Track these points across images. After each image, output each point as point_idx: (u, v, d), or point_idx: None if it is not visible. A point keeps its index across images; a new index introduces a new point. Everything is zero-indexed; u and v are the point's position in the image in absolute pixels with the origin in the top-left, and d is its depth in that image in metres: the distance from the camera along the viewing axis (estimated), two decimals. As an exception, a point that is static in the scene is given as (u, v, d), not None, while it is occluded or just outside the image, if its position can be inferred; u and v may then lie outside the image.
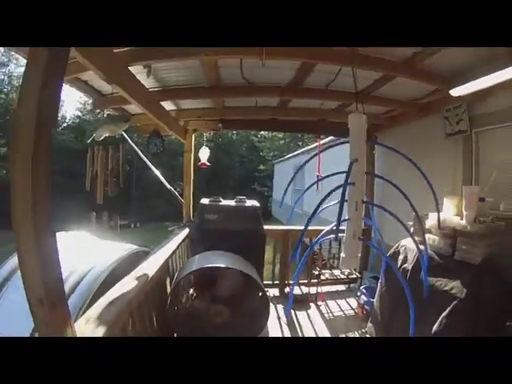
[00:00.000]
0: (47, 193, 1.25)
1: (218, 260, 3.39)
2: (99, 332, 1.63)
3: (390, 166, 5.35)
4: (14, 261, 3.70)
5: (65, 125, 29.68)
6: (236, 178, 29.89)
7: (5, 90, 26.59)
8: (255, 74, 3.68)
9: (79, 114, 30.74)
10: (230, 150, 30.68)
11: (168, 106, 4.56)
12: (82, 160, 4.17)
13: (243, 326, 3.25)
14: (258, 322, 3.38)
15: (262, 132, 28.24)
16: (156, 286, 2.95)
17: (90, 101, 4.23)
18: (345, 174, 2.98)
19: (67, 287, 3.17)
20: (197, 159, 5.59)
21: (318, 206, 3.23)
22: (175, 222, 5.70)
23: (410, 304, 2.91)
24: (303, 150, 16.83)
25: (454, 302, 2.83)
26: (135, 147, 5.73)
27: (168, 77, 3.63)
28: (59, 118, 29.71)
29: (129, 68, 2.88)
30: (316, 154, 4.75)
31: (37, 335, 1.35)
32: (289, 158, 19.72)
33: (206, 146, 5.62)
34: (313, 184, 4.08)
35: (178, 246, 4.14)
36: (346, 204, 3.05)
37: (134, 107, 4.26)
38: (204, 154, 5.59)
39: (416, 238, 3.30)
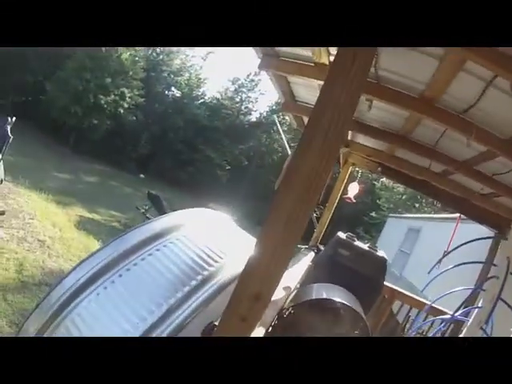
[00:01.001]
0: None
1: (337, 295, 3.35)
2: (260, 332, 1.67)
3: None
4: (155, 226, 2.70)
5: (202, 101, 31.79)
6: (342, 215, 29.37)
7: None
8: (448, 145, 3.66)
9: (219, 96, 32.66)
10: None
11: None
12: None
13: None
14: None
15: (385, 180, 27.50)
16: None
17: (233, 89, 4.37)
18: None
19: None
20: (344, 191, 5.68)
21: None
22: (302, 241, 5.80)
23: None
24: (427, 216, 16.08)
25: None
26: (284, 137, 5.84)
27: (371, 113, 3.71)
28: (199, 93, 32.21)
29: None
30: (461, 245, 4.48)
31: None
32: (405, 217, 19.07)
33: (359, 183, 5.67)
34: (439, 261, 3.91)
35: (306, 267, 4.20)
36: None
37: None
38: (353, 189, 5.66)
39: None
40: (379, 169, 5.28)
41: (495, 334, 3.79)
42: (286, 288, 2.72)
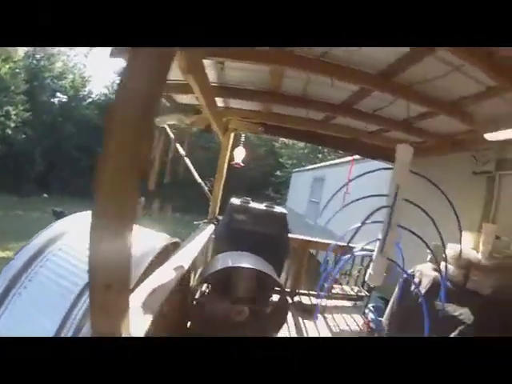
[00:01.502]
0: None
1: (242, 260, 3.44)
2: (147, 320, 1.63)
3: (413, 194, 5.40)
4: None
5: (90, 100, 29.79)
6: (251, 180, 29.70)
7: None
8: (317, 90, 3.80)
9: (106, 91, 30.82)
10: (247, 151, 30.48)
11: (217, 102, 4.56)
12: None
13: (261, 327, 3.30)
14: (273, 326, 3.45)
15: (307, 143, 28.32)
16: (181, 281, 2.93)
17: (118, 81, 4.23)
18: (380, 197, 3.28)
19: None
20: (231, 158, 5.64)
21: (363, 223, 3.46)
22: (199, 216, 5.70)
23: (426, 324, 3.13)
24: (328, 163, 16.75)
25: (461, 327, 3.13)
26: (172, 137, 5.71)
27: (232, 75, 3.68)
28: (85, 92, 30.04)
29: (203, 61, 2.91)
30: (359, 176, 4.73)
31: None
32: (309, 169, 19.71)
33: (244, 146, 5.67)
34: (346, 205, 4.12)
35: (205, 242, 4.15)
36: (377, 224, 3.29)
37: (180, 97, 4.30)
38: (240, 153, 5.62)
39: (431, 265, 3.71)
40: (261, 128, 5.33)
41: (408, 263, 4.11)
42: (178, 268, 2.61)
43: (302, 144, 26.62)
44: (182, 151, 5.89)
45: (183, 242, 3.61)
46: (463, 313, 3.22)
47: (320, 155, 26.08)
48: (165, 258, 2.80)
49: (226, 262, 3.39)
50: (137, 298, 1.82)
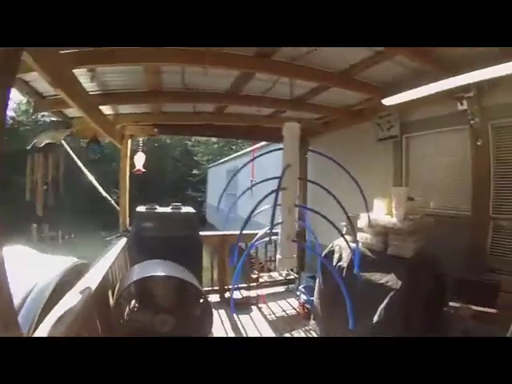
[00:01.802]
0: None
1: (156, 269, 3.39)
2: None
3: (323, 170, 5.48)
4: None
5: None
6: (169, 184, 29.07)
7: None
8: (196, 81, 3.71)
9: (13, 114, 28.07)
10: (163, 155, 29.73)
11: (106, 110, 4.40)
12: (16, 165, 3.88)
13: (188, 334, 3.23)
14: (202, 328, 3.43)
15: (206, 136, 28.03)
16: (100, 298, 2.87)
17: (24, 101, 3.95)
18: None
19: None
20: (132, 165, 5.45)
21: (253, 210, 3.31)
22: (112, 231, 5.47)
23: (347, 299, 3.06)
24: (237, 154, 16.87)
25: (391, 294, 3.14)
26: (72, 153, 5.40)
27: (109, 80, 3.52)
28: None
29: (73, 71, 2.74)
30: (252, 160, 4.80)
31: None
32: (222, 162, 19.62)
33: (142, 151, 5.50)
34: (248, 189, 4.09)
35: (117, 257, 3.99)
36: (279, 208, 3.18)
37: (72, 110, 4.06)
38: (139, 159, 5.47)
39: (349, 237, 3.59)
40: (155, 130, 5.21)
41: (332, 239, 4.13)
42: (85, 290, 2.48)
43: (214, 139, 26.59)
44: (84, 169, 5.62)
45: (95, 261, 3.48)
46: (390, 279, 3.23)
47: (234, 147, 26.22)
48: (73, 281, 2.69)
49: (139, 273, 3.33)
50: (42, 330, 1.77)
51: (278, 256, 3.32)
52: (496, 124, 3.51)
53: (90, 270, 3.15)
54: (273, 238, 3.37)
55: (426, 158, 4.34)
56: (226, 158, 19.31)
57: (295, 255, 3.41)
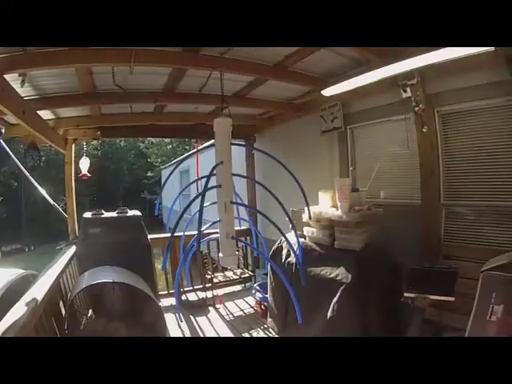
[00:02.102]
0: None
1: (104, 276, 3.35)
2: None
3: (269, 166, 5.54)
4: None
5: None
6: (125, 187, 28.40)
7: None
8: (128, 81, 3.63)
9: None
10: (117, 158, 29.03)
11: (46, 114, 4.25)
12: None
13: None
14: (157, 333, 3.40)
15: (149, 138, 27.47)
16: (49, 309, 2.79)
17: None
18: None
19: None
20: (78, 170, 5.31)
21: (184, 210, 3.33)
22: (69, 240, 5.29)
23: (292, 294, 3.12)
24: (187, 154, 16.69)
25: (342, 288, 3.11)
26: (17, 161, 5.13)
27: (44, 84, 3.39)
28: None
29: (4, 77, 2.62)
30: (187, 156, 4.75)
31: None
32: (174, 163, 19.35)
33: (86, 156, 5.38)
34: (186, 187, 4.09)
35: (67, 265, 3.89)
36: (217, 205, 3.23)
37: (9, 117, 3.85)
38: (84, 164, 5.34)
39: (294, 233, 3.63)
40: (98, 133, 5.09)
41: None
42: (31, 301, 2.41)
43: (167, 140, 26.20)
44: (30, 176, 5.38)
45: (42, 271, 3.38)
46: (339, 273, 3.20)
47: (188, 147, 25.91)
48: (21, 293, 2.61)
49: (87, 281, 3.29)
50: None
51: (220, 254, 3.32)
52: (442, 111, 3.50)
53: (37, 280, 3.05)
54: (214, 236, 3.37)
55: (373, 148, 4.33)
56: (176, 159, 19.02)
57: (237, 252, 3.43)
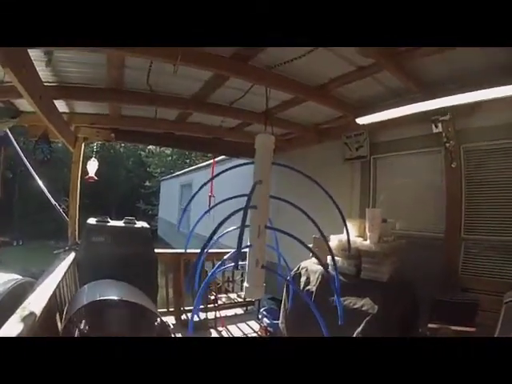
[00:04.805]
0: None
1: (108, 291, 3.13)
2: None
3: (286, 189, 5.28)
4: None
5: None
6: (120, 195, 28.06)
7: None
8: (160, 82, 3.40)
9: None
10: (115, 164, 28.72)
11: (61, 106, 3.91)
12: None
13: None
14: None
15: (151, 146, 27.32)
16: (45, 324, 2.47)
17: None
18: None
19: None
20: (84, 172, 4.99)
21: (215, 230, 2.68)
22: (61, 242, 4.93)
23: (322, 325, 2.68)
24: (193, 167, 16.48)
25: (367, 318, 3.03)
26: (20, 152, 4.78)
27: (68, 71, 3.08)
28: None
29: (29, 52, 2.28)
30: (215, 176, 4.25)
31: None
32: (177, 175, 19.13)
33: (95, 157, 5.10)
34: (213, 206, 3.60)
35: (65, 274, 3.53)
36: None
37: (24, 102, 3.48)
38: (92, 166, 5.07)
39: (315, 260, 3.56)
40: (112, 135, 4.79)
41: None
42: (28, 316, 2.13)
43: (168, 151, 26.14)
44: (33, 171, 5.04)
45: (39, 280, 3.04)
46: (365, 303, 3.13)
47: (188, 160, 25.82)
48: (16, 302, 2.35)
49: (89, 296, 3.04)
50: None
51: (246, 284, 2.83)
52: (468, 147, 3.60)
53: (35, 289, 2.72)
54: (240, 263, 2.95)
55: (395, 179, 4.34)
56: (179, 172, 18.81)
57: (264, 284, 2.86)
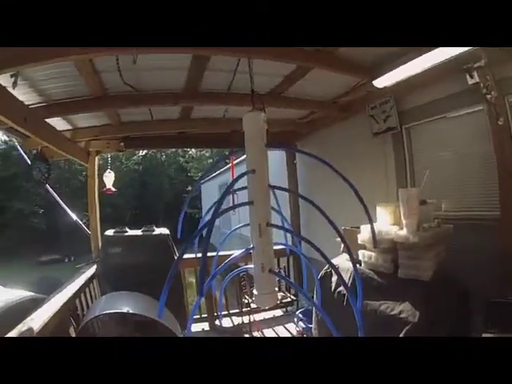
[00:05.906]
0: None
1: (119, 304, 3.16)
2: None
3: (314, 178, 5.05)
4: None
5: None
6: (167, 202, 28.81)
7: None
8: (142, 79, 3.20)
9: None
10: (158, 173, 29.58)
11: (61, 125, 3.94)
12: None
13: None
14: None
15: (191, 151, 27.71)
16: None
17: None
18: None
19: None
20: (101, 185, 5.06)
21: (202, 227, 2.35)
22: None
23: (360, 330, 2.21)
24: (226, 167, 16.47)
25: (407, 328, 2.41)
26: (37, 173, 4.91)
27: (48, 89, 3.04)
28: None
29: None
30: (244, 174, 3.79)
31: None
32: (214, 176, 19.10)
33: (111, 169, 5.11)
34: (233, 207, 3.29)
35: (85, 286, 3.66)
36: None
37: None
38: (109, 178, 5.07)
39: (347, 256, 2.97)
40: (122, 144, 4.77)
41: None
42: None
43: (208, 153, 26.39)
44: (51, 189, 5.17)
45: (51, 295, 3.11)
46: (403, 309, 2.49)
47: (228, 161, 25.84)
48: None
49: (102, 308, 3.10)
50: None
51: (254, 292, 2.41)
52: None
53: (43, 305, 2.78)
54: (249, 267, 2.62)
55: (433, 150, 3.56)
56: (216, 173, 18.79)
57: (277, 288, 2.47)
